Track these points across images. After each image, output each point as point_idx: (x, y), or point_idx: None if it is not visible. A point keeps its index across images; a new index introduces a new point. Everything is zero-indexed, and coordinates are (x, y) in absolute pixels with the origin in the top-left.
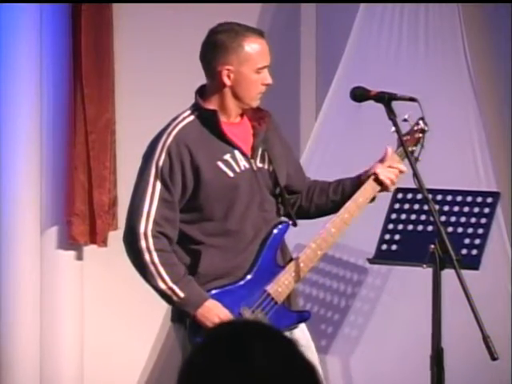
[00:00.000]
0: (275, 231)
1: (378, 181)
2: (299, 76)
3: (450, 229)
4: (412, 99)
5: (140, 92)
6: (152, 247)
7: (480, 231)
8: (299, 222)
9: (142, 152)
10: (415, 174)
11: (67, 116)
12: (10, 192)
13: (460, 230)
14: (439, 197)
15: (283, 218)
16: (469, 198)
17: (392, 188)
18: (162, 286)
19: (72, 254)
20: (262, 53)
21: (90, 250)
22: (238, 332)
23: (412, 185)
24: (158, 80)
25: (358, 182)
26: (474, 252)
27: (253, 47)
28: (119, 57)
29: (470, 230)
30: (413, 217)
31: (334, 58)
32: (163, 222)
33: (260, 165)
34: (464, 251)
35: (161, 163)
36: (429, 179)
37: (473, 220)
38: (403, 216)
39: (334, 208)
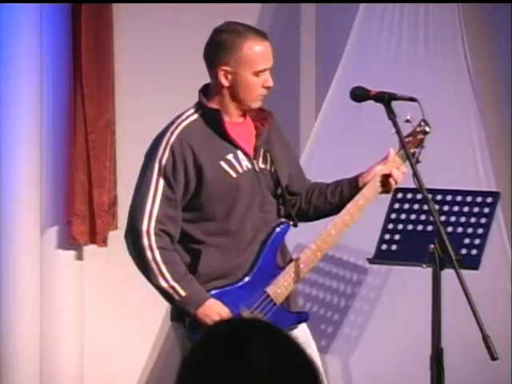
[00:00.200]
0: (276, 232)
1: (380, 182)
2: (299, 76)
3: (450, 229)
4: (412, 99)
5: (140, 92)
6: (154, 245)
7: (480, 231)
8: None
9: (142, 152)
10: (415, 174)
11: (67, 116)
12: (10, 192)
13: (460, 229)
14: (439, 197)
15: (283, 219)
16: (468, 198)
17: (392, 190)
18: (164, 284)
19: (72, 253)
20: (263, 55)
21: (90, 249)
22: (237, 329)
23: (412, 185)
24: (158, 80)
25: (355, 184)
26: (474, 252)
27: (252, 49)
28: (119, 57)
29: (470, 230)
30: (413, 217)
31: (333, 58)
32: (165, 219)
33: (262, 165)
34: (464, 251)
35: (164, 161)
36: (429, 179)
37: (473, 220)
38: (403, 216)
39: (333, 210)
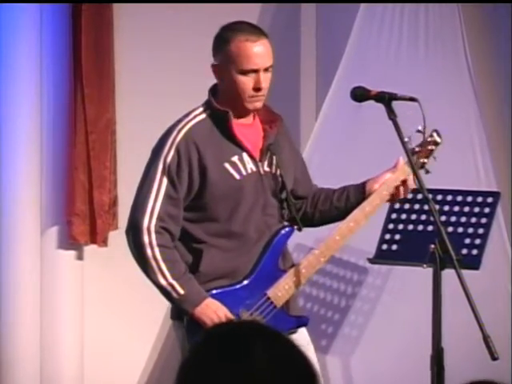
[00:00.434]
0: (279, 235)
1: (388, 191)
2: (299, 76)
3: (451, 229)
4: (412, 99)
5: (140, 92)
6: (154, 242)
7: (480, 231)
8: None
9: (143, 152)
10: (415, 174)
11: (67, 116)
12: (10, 192)
13: (460, 229)
14: (439, 197)
15: (288, 223)
16: (469, 198)
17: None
18: (163, 281)
19: (72, 253)
20: (251, 55)
21: (90, 249)
22: (237, 331)
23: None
24: (158, 80)
25: (362, 190)
26: (475, 252)
27: (239, 47)
28: (119, 57)
29: (471, 230)
30: (413, 216)
31: (334, 58)
32: (167, 218)
33: (267, 168)
34: (464, 251)
35: (169, 160)
36: (429, 179)
37: (473, 220)
38: (403, 216)
39: (339, 215)
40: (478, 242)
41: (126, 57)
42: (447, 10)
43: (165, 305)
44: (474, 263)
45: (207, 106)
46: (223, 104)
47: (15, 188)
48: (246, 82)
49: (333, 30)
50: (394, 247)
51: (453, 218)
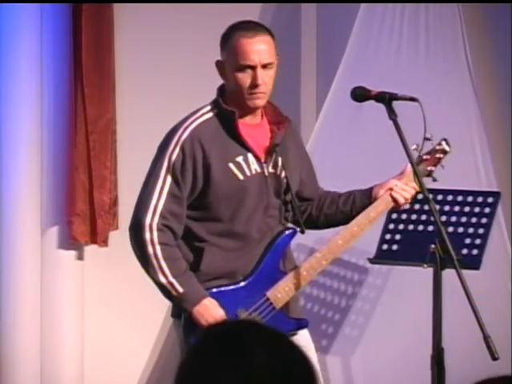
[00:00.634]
0: (282, 236)
1: (393, 197)
2: (300, 76)
3: (451, 228)
4: (413, 99)
5: (141, 92)
6: (156, 240)
7: (481, 231)
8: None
9: (143, 152)
10: (416, 174)
11: (68, 116)
12: (10, 192)
13: (461, 229)
14: (440, 196)
15: (291, 225)
16: (469, 198)
17: (404, 205)
18: (163, 279)
19: (73, 253)
20: (247, 50)
21: (90, 249)
22: (235, 331)
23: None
24: (158, 80)
25: (368, 195)
26: (475, 252)
27: (237, 43)
28: (120, 57)
29: (471, 230)
30: (413, 216)
31: (334, 58)
32: (169, 215)
33: (272, 170)
34: (465, 251)
35: (174, 158)
36: (430, 180)
37: (473, 220)
38: (404, 216)
39: (344, 219)
40: (478, 241)
41: (127, 57)
42: (447, 10)
43: (165, 305)
44: (474, 263)
45: (215, 104)
46: (230, 103)
47: (16, 188)
48: (243, 78)
49: (333, 30)
50: (395, 247)
51: (453, 218)
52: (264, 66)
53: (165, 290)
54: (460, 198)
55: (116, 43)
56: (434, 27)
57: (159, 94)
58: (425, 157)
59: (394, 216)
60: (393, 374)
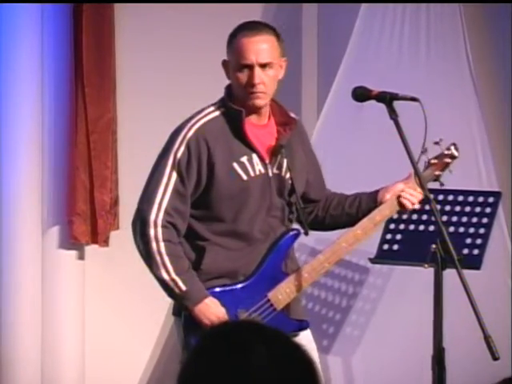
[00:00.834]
0: (285, 237)
1: (399, 201)
2: (301, 76)
3: (452, 228)
4: (413, 99)
5: (141, 92)
6: (160, 237)
7: (481, 231)
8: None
9: (144, 151)
10: (417, 174)
11: (68, 116)
12: (11, 192)
13: (461, 229)
14: (441, 196)
15: (296, 226)
16: (470, 198)
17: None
18: (165, 276)
19: (73, 253)
20: (243, 51)
21: (91, 249)
22: (238, 331)
23: None
24: (159, 80)
25: (374, 198)
26: (476, 252)
27: (238, 42)
28: (120, 56)
29: (472, 230)
30: (414, 216)
31: (335, 58)
32: (174, 213)
33: (276, 171)
34: (465, 251)
35: (179, 155)
36: (436, 183)
37: (474, 220)
38: (405, 215)
39: (349, 222)
40: (479, 241)
41: (127, 56)
42: (448, 10)
43: (166, 305)
44: (475, 263)
45: (222, 103)
46: (236, 103)
47: (16, 188)
48: (241, 77)
49: (334, 30)
50: (396, 247)
51: (454, 218)
52: (263, 66)
53: (167, 287)
54: (461, 198)
55: (117, 43)
56: (434, 27)
57: (160, 93)
58: (433, 161)
59: (395, 216)
60: (394, 373)
